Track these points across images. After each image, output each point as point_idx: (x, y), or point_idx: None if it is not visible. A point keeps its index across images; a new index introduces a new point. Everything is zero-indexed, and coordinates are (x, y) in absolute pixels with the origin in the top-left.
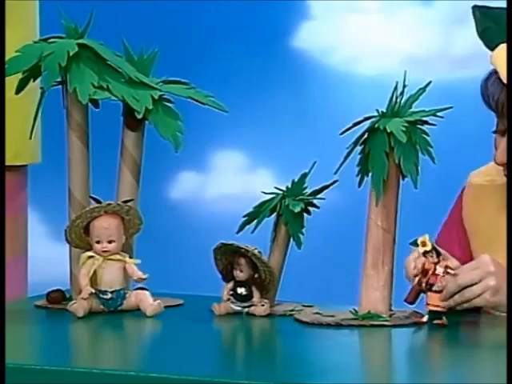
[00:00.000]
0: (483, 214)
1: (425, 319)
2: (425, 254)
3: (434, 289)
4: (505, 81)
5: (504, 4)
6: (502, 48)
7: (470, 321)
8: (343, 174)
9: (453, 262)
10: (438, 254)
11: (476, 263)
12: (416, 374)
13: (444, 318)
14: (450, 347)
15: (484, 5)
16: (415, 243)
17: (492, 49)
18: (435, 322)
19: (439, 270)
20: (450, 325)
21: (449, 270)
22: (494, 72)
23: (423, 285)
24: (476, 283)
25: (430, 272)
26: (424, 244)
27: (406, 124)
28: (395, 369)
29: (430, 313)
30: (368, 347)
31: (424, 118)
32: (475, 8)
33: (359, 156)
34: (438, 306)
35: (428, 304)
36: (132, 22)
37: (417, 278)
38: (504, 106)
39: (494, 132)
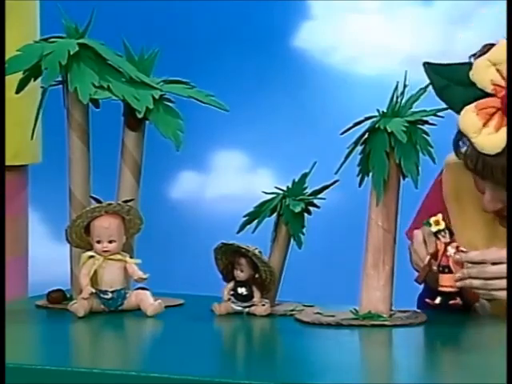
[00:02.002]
0: (465, 193)
1: (437, 301)
2: (436, 233)
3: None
4: (481, 149)
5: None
6: (466, 113)
7: (470, 321)
8: (344, 174)
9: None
10: (451, 234)
11: (500, 256)
12: (416, 373)
13: (458, 298)
14: (450, 347)
15: (434, 62)
16: (428, 223)
17: (456, 110)
18: (450, 302)
19: (450, 250)
20: (449, 324)
21: (461, 249)
22: (464, 135)
23: (434, 267)
24: (499, 277)
25: (441, 253)
26: (437, 223)
27: (406, 124)
28: (395, 369)
29: (443, 294)
30: (368, 347)
31: (424, 118)
32: (426, 66)
33: (360, 156)
34: (450, 286)
35: (441, 286)
36: (132, 22)
37: (427, 258)
38: (485, 169)
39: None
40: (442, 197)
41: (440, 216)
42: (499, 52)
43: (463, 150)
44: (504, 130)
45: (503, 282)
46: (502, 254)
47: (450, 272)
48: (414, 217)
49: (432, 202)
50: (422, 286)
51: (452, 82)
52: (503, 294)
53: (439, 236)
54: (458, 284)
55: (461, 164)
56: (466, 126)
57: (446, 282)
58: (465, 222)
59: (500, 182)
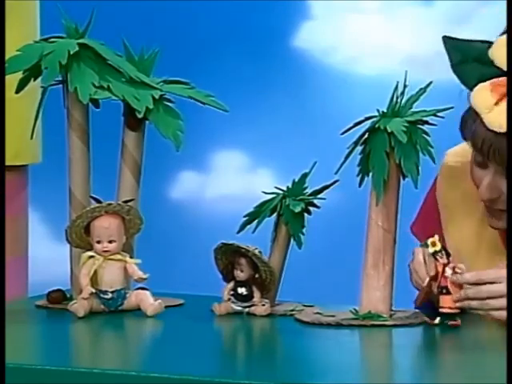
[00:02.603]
0: (455, 197)
1: (436, 321)
2: (434, 254)
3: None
4: (489, 125)
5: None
6: (480, 89)
7: (470, 321)
8: (344, 174)
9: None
10: (448, 255)
11: (496, 276)
12: (416, 374)
13: (458, 318)
14: (450, 347)
15: (454, 37)
16: (425, 244)
17: (469, 87)
18: (450, 323)
19: (448, 271)
20: (449, 325)
21: (457, 270)
22: (475, 113)
23: (434, 288)
24: (496, 297)
25: (439, 274)
26: (434, 244)
27: (406, 124)
28: (395, 369)
29: (443, 315)
30: (368, 347)
31: (424, 118)
32: (446, 39)
33: (359, 156)
34: (450, 307)
35: (441, 307)
36: (132, 22)
37: (427, 280)
38: (491, 149)
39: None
40: None
41: (436, 237)
42: None
43: (471, 128)
44: None
45: (500, 302)
46: (499, 273)
47: (449, 293)
48: (418, 211)
49: (432, 198)
50: None
51: (469, 58)
52: (500, 314)
53: (437, 257)
54: (457, 305)
55: (454, 168)
56: (478, 102)
57: (446, 304)
58: (454, 227)
59: (501, 165)
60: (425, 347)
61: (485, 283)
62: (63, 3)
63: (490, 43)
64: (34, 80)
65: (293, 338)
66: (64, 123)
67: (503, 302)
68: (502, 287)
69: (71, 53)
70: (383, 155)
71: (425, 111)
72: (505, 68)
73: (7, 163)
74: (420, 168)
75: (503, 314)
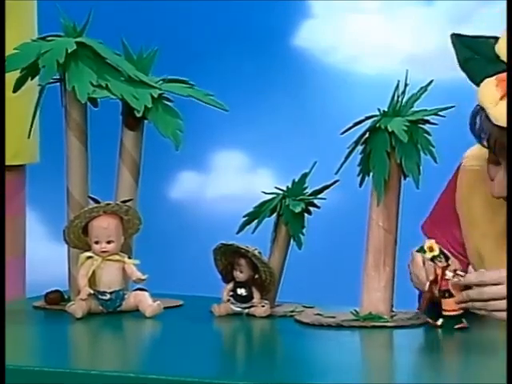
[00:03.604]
0: (477, 201)
1: (439, 323)
2: (432, 259)
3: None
4: (494, 120)
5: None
6: (486, 84)
7: (471, 321)
8: (344, 174)
9: (455, 264)
10: (447, 258)
11: (499, 277)
12: (417, 375)
13: (464, 320)
14: (451, 348)
15: (462, 34)
16: (422, 249)
17: (476, 83)
18: (456, 326)
19: (449, 274)
20: (450, 326)
21: (458, 272)
22: (481, 108)
23: (435, 292)
24: (499, 298)
25: (439, 277)
26: (431, 249)
27: (407, 123)
28: (396, 370)
29: (447, 318)
30: (369, 348)
31: (426, 118)
32: (454, 36)
33: (360, 156)
34: (454, 310)
35: (445, 310)
36: (131, 21)
37: (427, 285)
38: (497, 143)
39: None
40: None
41: (433, 241)
42: None
43: (478, 124)
44: None
45: (502, 304)
46: (501, 274)
47: (451, 296)
48: (430, 210)
49: (447, 199)
50: None
51: (477, 55)
52: (502, 315)
53: (436, 261)
54: (461, 306)
55: (474, 172)
56: (484, 97)
57: (449, 306)
58: (475, 230)
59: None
60: (426, 348)
61: (487, 285)
62: (61, 2)
63: (497, 38)
64: (32, 79)
65: (293, 339)
66: (62, 122)
67: (505, 303)
68: (504, 289)
69: (69, 51)
70: (384, 155)
71: (426, 110)
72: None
73: (6, 163)
74: (422, 168)
75: (504, 315)
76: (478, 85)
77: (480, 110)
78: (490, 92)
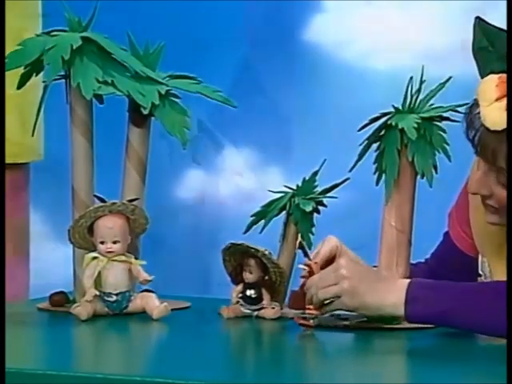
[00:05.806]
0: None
1: (311, 322)
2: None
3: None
4: (482, 118)
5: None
6: (487, 81)
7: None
8: (357, 172)
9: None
10: (305, 254)
11: (333, 267)
12: (419, 375)
13: (311, 320)
14: (453, 348)
15: (486, 21)
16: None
17: (482, 75)
18: (300, 322)
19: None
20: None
21: (302, 267)
22: (477, 103)
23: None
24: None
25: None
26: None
27: (418, 120)
28: (407, 372)
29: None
30: (380, 351)
31: (444, 115)
32: (477, 20)
33: (375, 153)
34: (308, 308)
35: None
36: (137, 15)
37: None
38: (479, 144)
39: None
40: None
41: (299, 237)
42: None
43: (470, 118)
44: None
45: (332, 290)
46: (338, 272)
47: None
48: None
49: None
50: None
51: (491, 47)
52: (339, 304)
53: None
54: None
55: None
56: (481, 93)
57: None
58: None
59: (489, 164)
60: (430, 350)
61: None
62: None
63: None
64: (36, 75)
65: (303, 342)
66: (67, 120)
67: (336, 289)
68: (333, 276)
69: (74, 47)
70: (395, 153)
71: (441, 107)
72: None
73: (8, 161)
74: (438, 166)
75: (343, 300)
76: (482, 77)
77: (476, 105)
78: (488, 90)
